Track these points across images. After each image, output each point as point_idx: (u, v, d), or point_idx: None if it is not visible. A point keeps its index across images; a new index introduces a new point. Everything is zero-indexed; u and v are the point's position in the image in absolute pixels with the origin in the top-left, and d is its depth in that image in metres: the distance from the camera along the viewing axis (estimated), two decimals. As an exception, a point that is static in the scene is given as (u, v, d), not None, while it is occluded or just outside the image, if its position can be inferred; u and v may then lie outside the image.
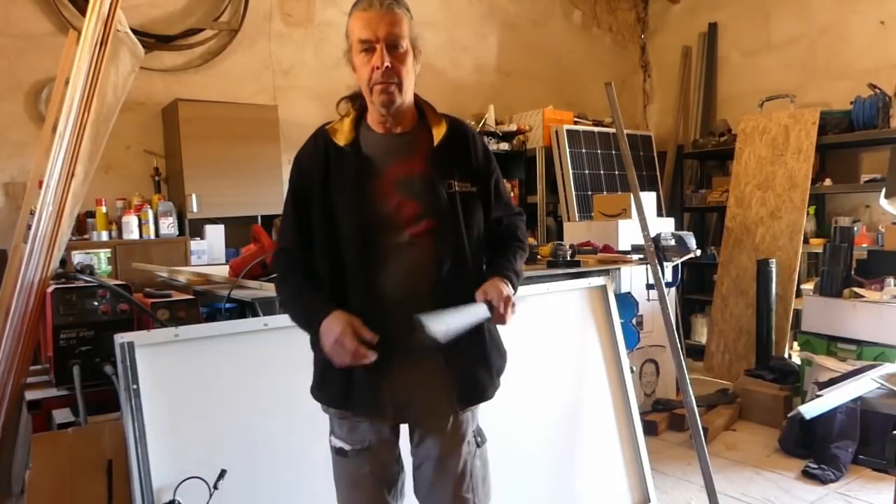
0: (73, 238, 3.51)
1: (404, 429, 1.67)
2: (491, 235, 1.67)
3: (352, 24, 1.52)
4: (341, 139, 1.57)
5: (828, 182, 4.74)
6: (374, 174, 1.55)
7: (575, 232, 4.34)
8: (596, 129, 5.36)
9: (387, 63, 1.47)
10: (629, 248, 3.81)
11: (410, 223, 1.54)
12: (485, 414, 1.74)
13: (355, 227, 1.52)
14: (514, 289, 1.57)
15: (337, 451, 1.63)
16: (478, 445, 1.67)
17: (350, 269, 1.53)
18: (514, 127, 5.24)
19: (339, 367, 1.48)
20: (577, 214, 4.98)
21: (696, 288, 5.72)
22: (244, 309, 2.60)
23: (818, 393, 3.37)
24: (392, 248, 1.54)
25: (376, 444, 1.60)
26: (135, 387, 1.89)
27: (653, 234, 3.04)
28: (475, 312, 1.49)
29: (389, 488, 1.64)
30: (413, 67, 1.54)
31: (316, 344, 1.56)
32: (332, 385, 1.58)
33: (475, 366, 1.59)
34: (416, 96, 1.62)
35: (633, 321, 3.65)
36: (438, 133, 1.58)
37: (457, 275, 1.54)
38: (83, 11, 3.36)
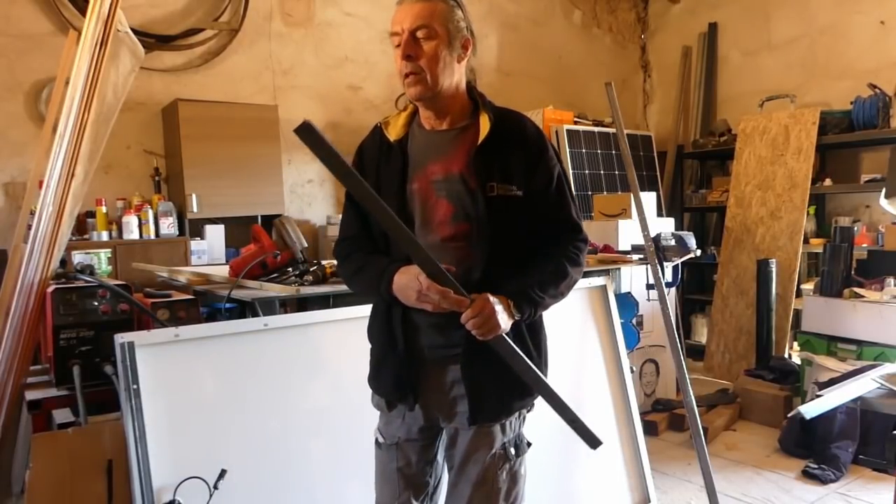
0: (73, 238, 3.51)
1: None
2: (538, 247, 1.53)
3: None
4: (392, 134, 1.57)
5: (828, 182, 4.74)
6: (415, 172, 1.53)
7: (575, 232, 4.33)
8: (596, 129, 5.36)
9: (408, 52, 1.45)
10: (629, 248, 3.81)
11: (443, 225, 1.51)
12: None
13: None
14: (522, 311, 1.45)
15: (375, 442, 1.66)
16: (507, 458, 1.55)
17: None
18: (514, 127, 5.22)
19: (432, 311, 1.42)
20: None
21: (696, 288, 5.72)
22: (244, 309, 2.59)
23: (818, 393, 3.36)
24: None
25: (404, 442, 1.60)
26: (135, 387, 1.89)
27: (653, 234, 3.04)
28: (457, 292, 1.39)
29: (417, 492, 1.61)
30: (447, 55, 1.46)
31: (371, 334, 1.63)
32: (373, 372, 1.64)
33: (487, 386, 1.50)
34: (474, 90, 1.57)
35: (633, 321, 3.65)
36: (483, 130, 1.50)
37: (489, 284, 1.45)
38: (83, 11, 3.36)
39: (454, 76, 1.51)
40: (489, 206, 1.47)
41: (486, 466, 1.54)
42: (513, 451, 1.57)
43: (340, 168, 1.31)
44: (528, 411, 1.62)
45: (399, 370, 1.55)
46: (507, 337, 1.44)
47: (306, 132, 1.26)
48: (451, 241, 1.50)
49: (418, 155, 1.54)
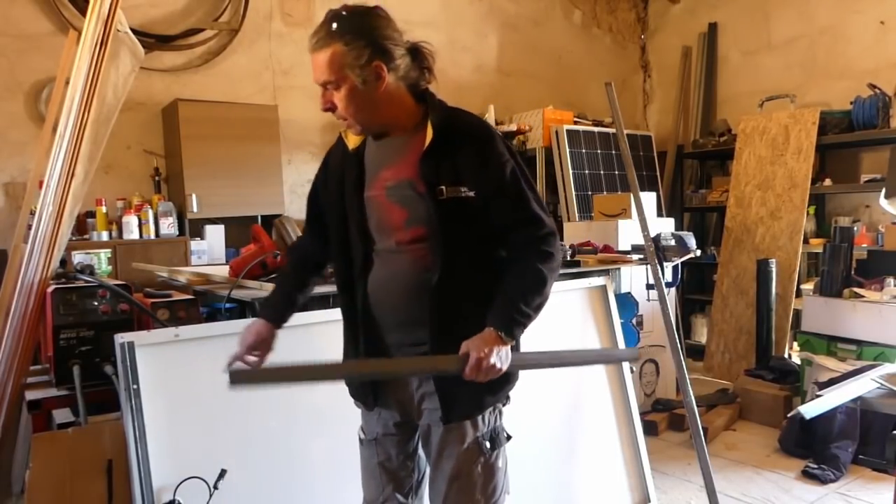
0: (73, 238, 3.51)
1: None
2: (506, 250, 1.53)
3: None
4: (351, 142, 1.60)
5: (828, 182, 4.74)
6: (371, 179, 1.56)
7: (575, 232, 4.34)
8: (596, 129, 5.35)
9: (325, 107, 1.50)
10: (629, 248, 3.81)
11: (398, 230, 1.53)
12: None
13: (355, 231, 1.57)
14: (514, 335, 1.45)
15: (358, 438, 1.71)
16: (482, 452, 1.55)
17: (353, 271, 1.59)
18: (514, 127, 5.23)
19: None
20: (577, 214, 4.98)
21: (696, 288, 5.72)
22: (244, 309, 2.59)
23: (818, 393, 3.37)
24: (380, 254, 1.57)
25: (383, 437, 1.65)
26: (135, 387, 1.90)
27: (653, 234, 3.04)
28: (445, 364, 1.43)
29: (399, 486, 1.65)
30: (360, 95, 1.45)
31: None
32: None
33: (456, 385, 1.47)
34: (427, 93, 1.57)
35: (633, 321, 3.66)
36: (428, 136, 1.50)
37: (448, 286, 1.48)
38: (83, 11, 3.36)
39: (380, 103, 1.48)
40: (440, 210, 1.47)
41: (459, 461, 1.54)
42: (487, 444, 1.56)
43: (286, 378, 1.59)
44: (503, 405, 1.63)
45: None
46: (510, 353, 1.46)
47: (237, 377, 1.43)
48: (406, 245, 1.53)
49: (373, 162, 1.57)
